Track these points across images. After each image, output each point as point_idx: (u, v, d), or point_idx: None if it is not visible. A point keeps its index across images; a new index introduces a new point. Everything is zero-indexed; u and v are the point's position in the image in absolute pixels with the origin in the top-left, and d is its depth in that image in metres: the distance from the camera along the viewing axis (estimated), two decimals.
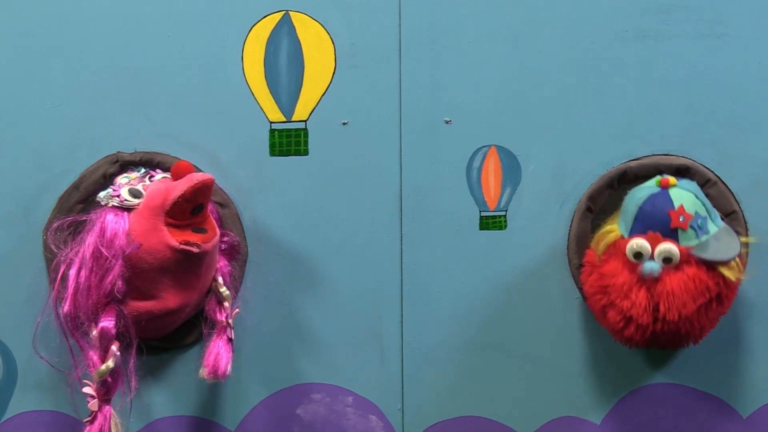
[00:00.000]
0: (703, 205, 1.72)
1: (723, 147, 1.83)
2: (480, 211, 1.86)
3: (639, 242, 1.69)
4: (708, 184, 1.81)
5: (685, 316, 1.66)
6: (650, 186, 1.73)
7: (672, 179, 1.72)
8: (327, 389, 1.89)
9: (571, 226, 1.85)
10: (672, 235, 1.68)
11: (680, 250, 1.67)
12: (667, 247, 1.67)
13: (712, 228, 1.72)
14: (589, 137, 1.84)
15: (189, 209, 1.69)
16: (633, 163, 1.83)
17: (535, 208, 1.86)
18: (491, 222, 1.86)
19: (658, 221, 1.69)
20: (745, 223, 1.83)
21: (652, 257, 1.68)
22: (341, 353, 1.88)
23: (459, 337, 1.88)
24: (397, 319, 1.88)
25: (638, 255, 1.69)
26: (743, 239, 1.78)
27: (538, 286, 1.87)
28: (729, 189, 1.83)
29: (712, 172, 1.83)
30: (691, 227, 1.68)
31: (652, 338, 1.71)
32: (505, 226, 1.86)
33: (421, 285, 1.87)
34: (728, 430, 1.89)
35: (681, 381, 1.88)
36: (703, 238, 1.69)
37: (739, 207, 1.83)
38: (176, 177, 1.71)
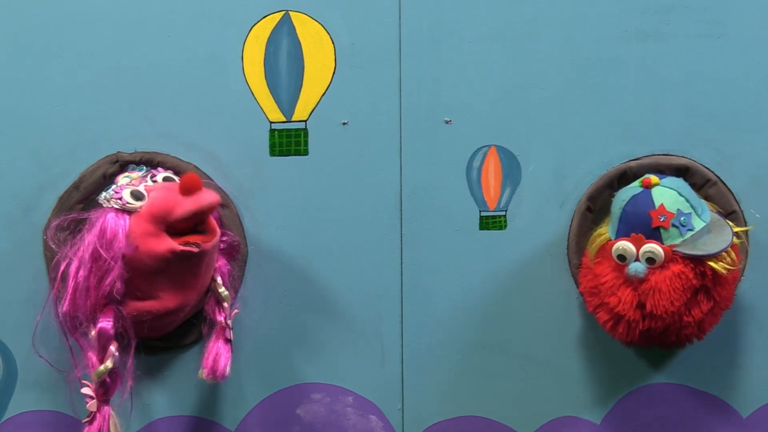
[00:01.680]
0: (688, 201, 1.71)
1: (723, 147, 1.83)
2: (480, 211, 1.86)
3: (622, 245, 1.69)
4: (708, 184, 1.81)
5: (671, 312, 1.66)
6: (634, 187, 1.74)
7: (654, 178, 1.72)
8: (327, 389, 1.89)
9: (571, 226, 1.85)
10: (655, 234, 1.68)
11: (664, 250, 1.67)
12: (650, 247, 1.67)
13: (698, 223, 1.71)
14: (589, 137, 1.84)
15: (191, 224, 1.68)
16: (633, 163, 1.83)
17: (535, 208, 1.86)
18: (491, 222, 1.86)
19: (640, 222, 1.69)
20: (745, 223, 1.83)
21: (637, 259, 1.68)
22: (341, 353, 1.88)
23: (459, 337, 1.88)
24: (397, 319, 1.88)
25: (622, 257, 1.69)
26: (736, 229, 1.77)
27: (538, 286, 1.87)
28: (729, 189, 1.83)
29: (712, 172, 1.83)
30: (673, 225, 1.68)
31: (646, 336, 1.71)
32: (505, 226, 1.86)
33: (421, 285, 1.87)
34: (728, 430, 1.89)
35: (681, 381, 1.88)
36: (687, 235, 1.69)
37: (739, 207, 1.83)
38: (184, 190, 1.67)
